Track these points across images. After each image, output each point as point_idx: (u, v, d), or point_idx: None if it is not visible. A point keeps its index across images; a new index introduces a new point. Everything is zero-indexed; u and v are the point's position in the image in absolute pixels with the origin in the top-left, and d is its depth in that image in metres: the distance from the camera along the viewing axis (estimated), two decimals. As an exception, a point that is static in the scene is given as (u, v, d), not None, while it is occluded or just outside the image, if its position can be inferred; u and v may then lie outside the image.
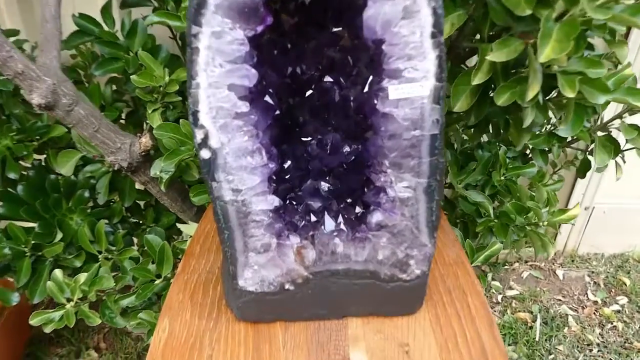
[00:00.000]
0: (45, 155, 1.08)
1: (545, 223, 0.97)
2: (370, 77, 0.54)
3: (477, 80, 0.61)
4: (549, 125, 1.02)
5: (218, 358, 0.57)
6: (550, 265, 1.90)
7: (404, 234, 0.56)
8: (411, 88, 0.47)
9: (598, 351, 1.55)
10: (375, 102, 0.49)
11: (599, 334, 1.61)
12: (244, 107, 0.48)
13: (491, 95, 0.71)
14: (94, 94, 1.05)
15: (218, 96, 0.47)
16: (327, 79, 0.57)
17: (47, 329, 0.90)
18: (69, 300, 0.92)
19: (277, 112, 0.54)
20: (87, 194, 1.11)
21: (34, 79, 0.73)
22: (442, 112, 0.49)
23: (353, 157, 0.63)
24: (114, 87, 1.11)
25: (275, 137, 0.55)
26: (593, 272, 1.87)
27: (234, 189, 0.52)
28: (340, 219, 0.58)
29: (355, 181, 0.64)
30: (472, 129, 0.90)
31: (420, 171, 0.52)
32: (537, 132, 1.02)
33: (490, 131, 0.87)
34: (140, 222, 1.22)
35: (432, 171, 0.52)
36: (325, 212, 0.59)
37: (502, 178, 1.05)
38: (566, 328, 1.64)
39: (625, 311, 1.69)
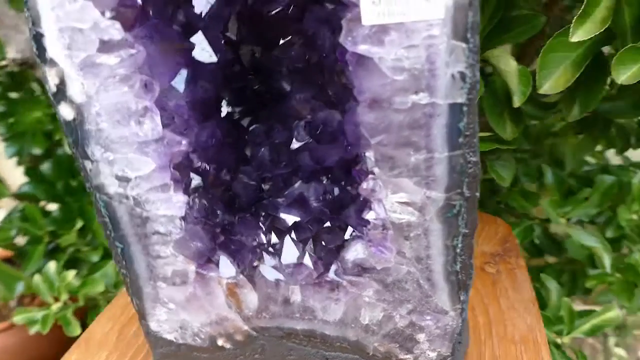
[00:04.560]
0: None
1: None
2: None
3: (582, 34, 0.35)
4: None
5: None
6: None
7: (405, 287, 0.31)
8: (406, 2, 0.23)
9: None
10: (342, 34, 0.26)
11: None
12: (114, 30, 0.27)
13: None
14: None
15: (68, 8, 0.27)
16: (311, 15, 0.35)
17: (32, 331, 0.77)
18: (57, 299, 0.78)
19: (210, 56, 0.33)
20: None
21: (10, 27, 0.60)
22: (473, 60, 0.24)
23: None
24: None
25: (204, 101, 0.34)
26: None
27: (121, 177, 0.32)
28: (309, 246, 0.35)
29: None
30: (582, 134, 0.61)
31: (430, 176, 0.27)
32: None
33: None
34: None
35: (454, 178, 0.27)
36: (293, 233, 0.37)
37: (634, 217, 0.73)
38: None
39: None
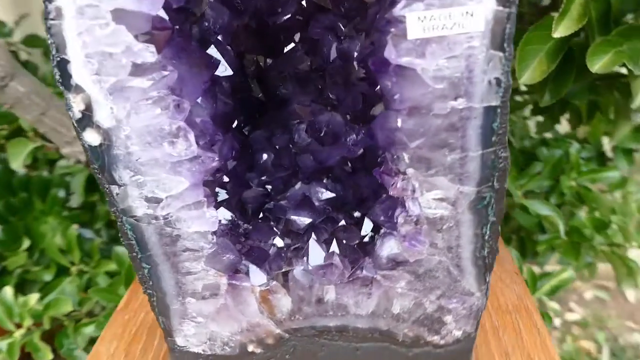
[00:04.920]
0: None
1: (636, 245, 0.72)
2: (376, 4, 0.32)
3: (562, 31, 0.38)
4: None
5: None
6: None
7: (436, 275, 0.34)
8: (449, 17, 0.25)
9: (683, 394, 1.26)
10: (385, 47, 0.27)
11: (684, 372, 1.33)
12: (148, 53, 0.27)
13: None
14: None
15: (97, 33, 0.26)
16: (317, 23, 0.36)
17: (-6, 360, 0.73)
18: (19, 326, 0.74)
19: (225, 69, 0.33)
20: (62, 194, 0.94)
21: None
22: (508, 67, 0.26)
23: (362, 150, 0.41)
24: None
25: (225, 115, 0.34)
26: (672, 294, 1.57)
27: (150, 198, 0.31)
28: (334, 246, 0.37)
29: (366, 186, 0.42)
30: (542, 116, 0.66)
31: (464, 173, 0.30)
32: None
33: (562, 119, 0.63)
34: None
35: (485, 173, 0.30)
36: (313, 234, 0.38)
37: (574, 183, 0.81)
38: (640, 363, 1.36)
39: None
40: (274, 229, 0.40)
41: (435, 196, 0.31)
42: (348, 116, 0.42)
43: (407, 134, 0.29)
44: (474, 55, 0.26)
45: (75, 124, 0.29)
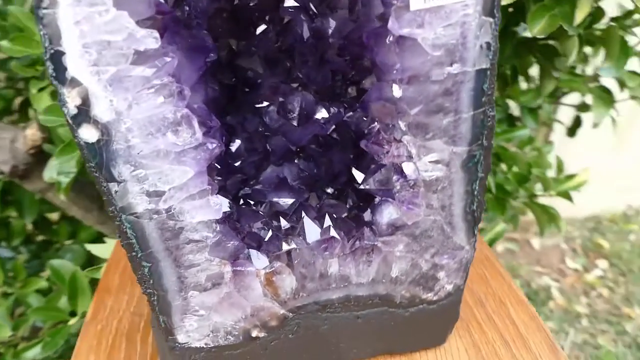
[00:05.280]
0: None
1: (554, 193, 0.80)
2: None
3: (505, -1, 0.42)
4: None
5: None
6: (524, 235, 1.79)
7: (431, 234, 0.36)
8: (448, -14, 0.26)
9: (588, 322, 1.43)
10: (380, 22, 0.28)
11: (587, 303, 1.50)
12: (151, 39, 0.26)
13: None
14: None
15: (97, 21, 0.24)
16: (288, 3, 0.36)
17: None
18: (-51, 361, 0.67)
19: (212, 55, 0.32)
20: (-28, 212, 0.85)
21: None
22: (497, 31, 0.29)
23: (333, 127, 0.42)
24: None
25: (214, 100, 0.34)
26: (568, 237, 1.77)
27: (151, 192, 0.30)
28: (328, 221, 0.37)
29: (338, 162, 0.44)
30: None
31: (457, 134, 0.32)
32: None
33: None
34: (53, 240, 0.97)
35: (476, 132, 0.32)
36: (303, 213, 0.38)
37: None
38: (551, 301, 1.52)
39: (608, 276, 1.60)
40: (260, 212, 0.40)
41: (431, 159, 0.33)
42: (317, 94, 0.42)
43: (407, 102, 0.30)
44: (468, 22, 0.28)
45: (70, 121, 0.27)
